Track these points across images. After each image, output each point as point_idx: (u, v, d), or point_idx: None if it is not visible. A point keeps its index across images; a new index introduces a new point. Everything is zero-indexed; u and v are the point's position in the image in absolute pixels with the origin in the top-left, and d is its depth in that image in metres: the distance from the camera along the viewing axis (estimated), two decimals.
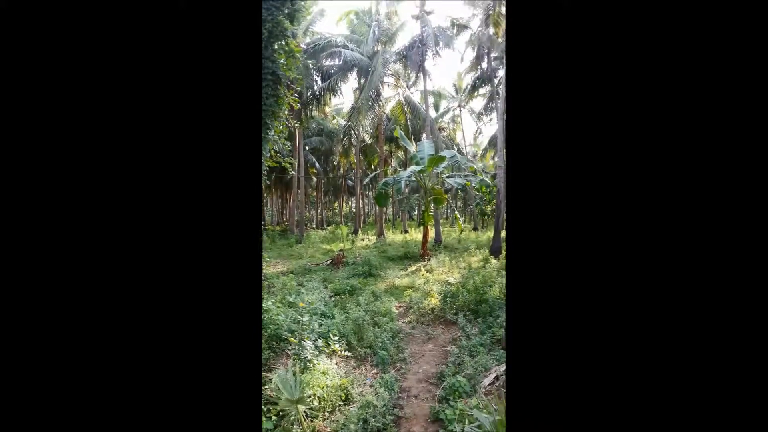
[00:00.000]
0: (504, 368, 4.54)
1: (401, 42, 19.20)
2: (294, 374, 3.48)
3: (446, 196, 15.57)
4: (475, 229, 24.62)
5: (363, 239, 19.34)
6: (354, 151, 24.04)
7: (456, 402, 3.67)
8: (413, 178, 12.86)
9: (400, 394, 4.06)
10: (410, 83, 20.76)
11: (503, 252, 12.38)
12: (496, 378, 4.38)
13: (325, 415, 3.53)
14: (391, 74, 18.59)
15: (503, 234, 16.30)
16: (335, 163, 26.90)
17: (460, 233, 16.69)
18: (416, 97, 20.82)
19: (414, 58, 16.64)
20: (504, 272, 8.76)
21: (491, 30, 16.99)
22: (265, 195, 30.12)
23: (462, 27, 18.80)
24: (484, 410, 3.22)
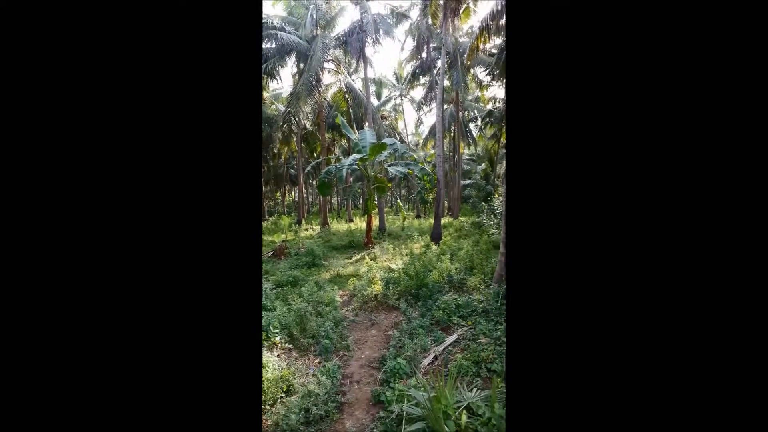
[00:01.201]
0: (441, 348, 4.79)
1: (341, 27, 18.84)
2: None
3: (389, 185, 15.76)
4: (418, 216, 25.28)
5: (307, 229, 18.99)
6: (295, 139, 23.32)
7: (396, 383, 3.80)
8: (356, 167, 12.83)
9: (342, 381, 4.11)
10: (351, 70, 20.49)
11: (443, 238, 12.88)
12: (435, 357, 4.61)
13: (265, 408, 3.48)
14: (332, 60, 18.18)
15: (444, 221, 16.95)
16: (276, 151, 25.92)
17: (404, 221, 17.05)
18: (358, 85, 20.63)
19: (354, 44, 16.40)
20: (443, 257, 9.15)
21: (429, 20, 17.27)
22: None
23: (402, 16, 18.89)
24: (421, 389, 3.38)
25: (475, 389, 3.67)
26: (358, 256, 11.20)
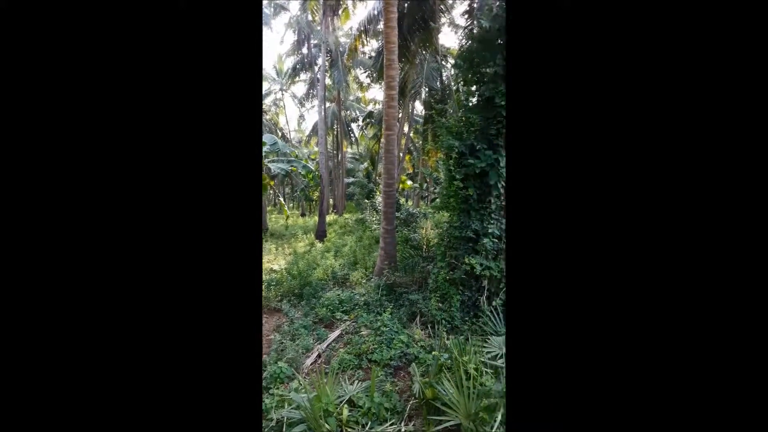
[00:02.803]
0: (324, 345, 4.77)
1: None
2: None
3: (272, 183, 15.03)
4: (303, 215, 24.75)
5: None
6: None
7: (277, 389, 3.64)
8: None
9: None
10: None
11: (328, 235, 12.88)
12: (318, 356, 4.56)
13: None
14: None
15: (329, 218, 16.96)
16: None
17: (287, 219, 16.49)
18: None
19: None
20: (327, 254, 9.15)
21: (309, 16, 17.00)
22: None
23: (280, 7, 18.15)
24: (303, 390, 3.30)
25: (357, 381, 3.75)
26: None
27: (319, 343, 4.78)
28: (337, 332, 5.09)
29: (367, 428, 3.11)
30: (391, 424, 3.18)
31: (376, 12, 12.51)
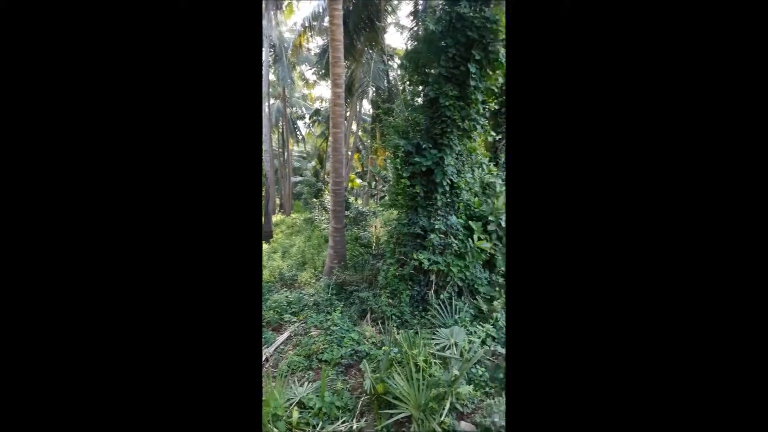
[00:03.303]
0: (272, 348, 4.62)
1: None
2: None
3: None
4: None
5: None
6: None
7: None
8: None
9: None
10: None
11: (275, 236, 12.49)
12: (266, 360, 4.41)
13: None
14: None
15: (275, 218, 16.43)
16: None
17: None
18: None
19: None
20: (274, 255, 8.86)
21: None
22: None
23: None
24: None
25: (307, 383, 3.68)
26: None
27: (267, 347, 4.62)
28: (285, 335, 4.95)
29: (318, 428, 3.07)
30: (342, 422, 3.16)
31: (321, 9, 12.34)
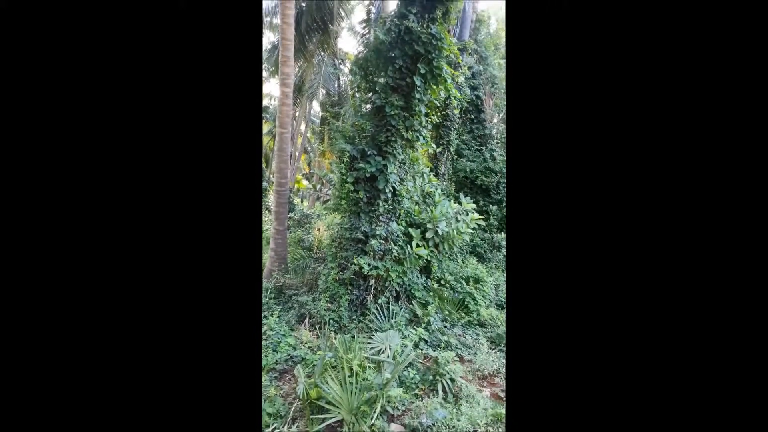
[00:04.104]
0: None
1: None
2: None
3: None
4: None
5: None
6: None
7: None
8: None
9: None
10: None
11: None
12: None
13: None
14: None
15: None
16: None
17: None
18: None
19: None
20: None
21: None
22: None
23: None
24: None
25: None
26: None
27: None
28: None
29: None
30: (273, 429, 3.10)
31: (273, 4, 12.05)
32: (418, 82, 4.84)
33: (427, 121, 5.36)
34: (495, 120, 10.77)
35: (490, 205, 8.34)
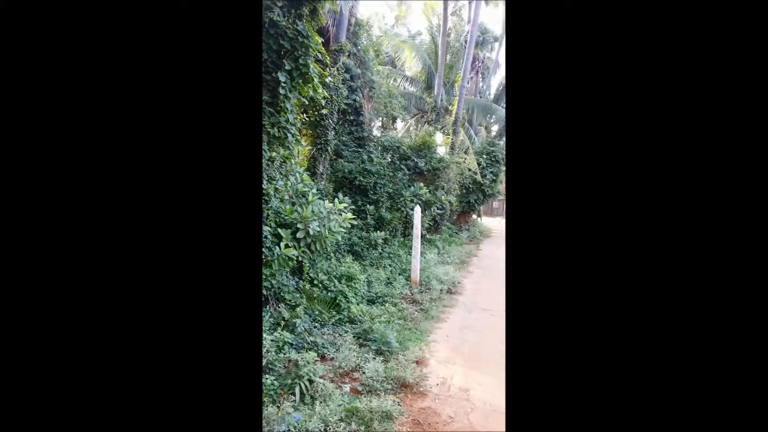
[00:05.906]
0: None
1: None
2: None
3: None
4: None
5: None
6: None
7: None
8: None
9: None
10: None
11: None
12: None
13: None
14: None
15: None
16: None
17: None
18: None
19: None
20: None
21: None
22: None
23: None
24: None
25: None
26: None
27: None
28: None
29: None
30: None
31: None
32: (282, 79, 4.70)
33: (294, 118, 5.24)
34: (373, 124, 11.19)
35: (368, 205, 8.62)
